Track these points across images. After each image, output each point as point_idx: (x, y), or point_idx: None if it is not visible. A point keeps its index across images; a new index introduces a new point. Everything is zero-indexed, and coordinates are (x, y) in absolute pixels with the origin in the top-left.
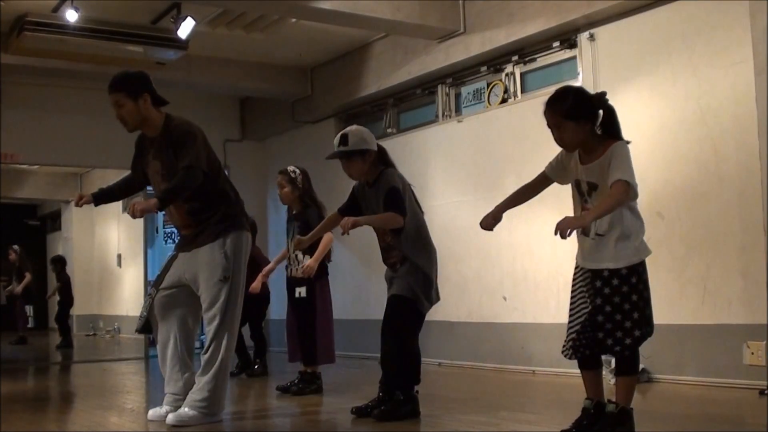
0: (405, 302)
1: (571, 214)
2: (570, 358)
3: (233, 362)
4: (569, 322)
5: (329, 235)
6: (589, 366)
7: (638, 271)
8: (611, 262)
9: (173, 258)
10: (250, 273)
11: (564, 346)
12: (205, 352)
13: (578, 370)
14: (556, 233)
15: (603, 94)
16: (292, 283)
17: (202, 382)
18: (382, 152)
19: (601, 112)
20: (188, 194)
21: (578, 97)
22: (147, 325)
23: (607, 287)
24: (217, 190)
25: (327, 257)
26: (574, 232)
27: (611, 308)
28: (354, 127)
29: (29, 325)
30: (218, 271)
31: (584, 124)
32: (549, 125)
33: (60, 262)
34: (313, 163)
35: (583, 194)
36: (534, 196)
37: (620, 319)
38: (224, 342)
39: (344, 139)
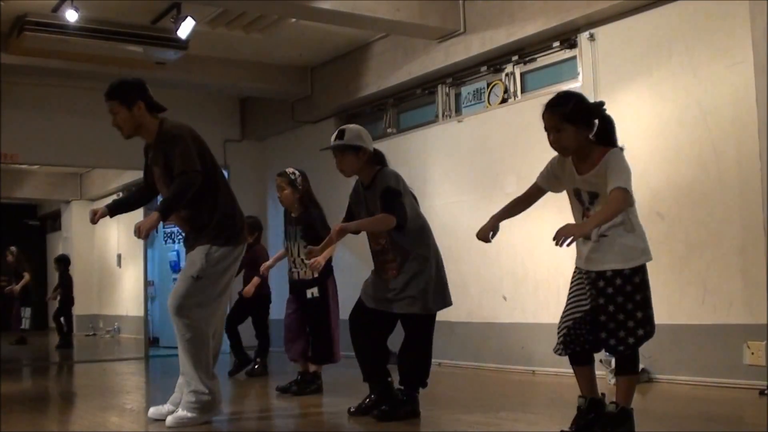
0: (426, 320)
1: (570, 214)
2: (561, 355)
3: (232, 361)
4: (562, 318)
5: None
6: (581, 362)
7: (641, 271)
8: (618, 263)
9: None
10: (251, 273)
11: (556, 343)
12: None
13: None
14: (556, 241)
15: (601, 104)
16: (300, 285)
17: (191, 383)
18: (378, 155)
19: (597, 121)
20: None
21: (579, 103)
22: None
23: (610, 287)
24: (212, 193)
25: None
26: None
27: (614, 308)
28: (352, 125)
29: (23, 327)
30: (193, 268)
31: (583, 130)
32: (547, 128)
33: (63, 262)
34: (313, 164)
35: (584, 203)
36: (528, 207)
37: (623, 319)
38: (185, 341)
39: (341, 134)
